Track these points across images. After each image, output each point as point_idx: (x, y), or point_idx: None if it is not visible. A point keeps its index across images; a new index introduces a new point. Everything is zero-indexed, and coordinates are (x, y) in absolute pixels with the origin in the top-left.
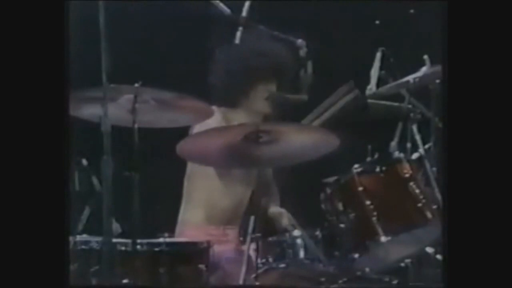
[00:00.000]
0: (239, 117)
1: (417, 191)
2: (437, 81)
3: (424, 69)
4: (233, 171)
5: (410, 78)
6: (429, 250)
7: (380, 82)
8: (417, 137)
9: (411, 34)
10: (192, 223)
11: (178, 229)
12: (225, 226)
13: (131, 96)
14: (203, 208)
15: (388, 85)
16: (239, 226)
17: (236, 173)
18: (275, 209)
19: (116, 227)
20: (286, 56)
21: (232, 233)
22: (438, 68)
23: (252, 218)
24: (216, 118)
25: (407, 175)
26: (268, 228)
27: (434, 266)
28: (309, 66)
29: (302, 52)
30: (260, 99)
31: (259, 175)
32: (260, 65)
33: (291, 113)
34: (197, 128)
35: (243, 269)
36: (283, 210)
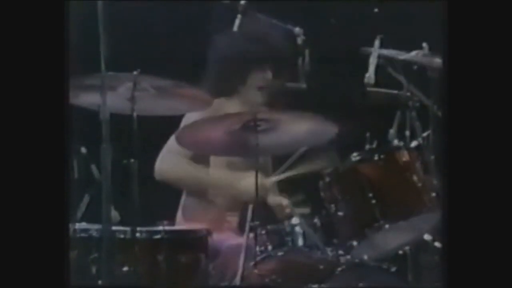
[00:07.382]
0: (235, 106)
1: (416, 179)
2: (436, 68)
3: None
4: (235, 158)
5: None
6: (428, 237)
7: (378, 70)
8: (416, 125)
9: (410, 22)
10: (194, 210)
11: (179, 215)
12: (226, 213)
13: (130, 84)
14: (205, 195)
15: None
16: (240, 213)
17: (237, 161)
18: (275, 198)
19: (115, 214)
20: (283, 43)
21: (233, 220)
22: (437, 56)
23: (251, 206)
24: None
25: (405, 163)
26: (268, 216)
27: (433, 253)
28: (307, 54)
29: (300, 40)
30: (257, 87)
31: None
32: (257, 52)
33: (289, 102)
34: (187, 118)
35: (242, 257)
36: (283, 199)
